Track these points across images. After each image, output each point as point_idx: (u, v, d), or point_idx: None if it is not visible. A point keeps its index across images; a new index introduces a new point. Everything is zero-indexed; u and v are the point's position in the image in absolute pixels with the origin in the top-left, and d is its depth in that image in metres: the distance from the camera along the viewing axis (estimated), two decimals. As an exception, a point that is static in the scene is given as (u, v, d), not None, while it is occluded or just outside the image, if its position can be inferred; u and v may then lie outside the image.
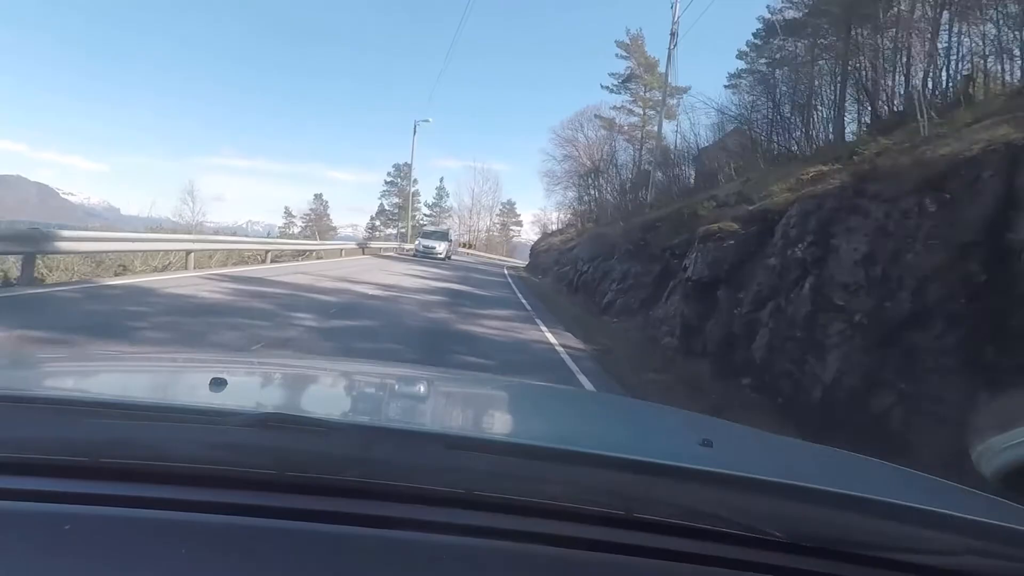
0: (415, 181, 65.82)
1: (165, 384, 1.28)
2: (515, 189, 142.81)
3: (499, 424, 1.25)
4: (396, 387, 1.53)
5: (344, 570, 0.58)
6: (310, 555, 0.58)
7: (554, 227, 43.66)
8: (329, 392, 1.37)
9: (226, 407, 0.78)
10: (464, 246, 50.67)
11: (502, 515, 0.65)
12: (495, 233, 75.33)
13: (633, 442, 1.15)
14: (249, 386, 1.27)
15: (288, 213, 66.93)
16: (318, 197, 67.43)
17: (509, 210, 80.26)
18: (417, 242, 30.03)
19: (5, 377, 1.13)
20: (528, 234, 77.91)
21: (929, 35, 9.79)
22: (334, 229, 63.49)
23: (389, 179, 68.33)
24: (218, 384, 0.92)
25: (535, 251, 33.94)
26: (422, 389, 1.54)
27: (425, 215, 69.26)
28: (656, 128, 24.68)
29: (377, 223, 65.42)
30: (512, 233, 79.75)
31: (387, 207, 66.45)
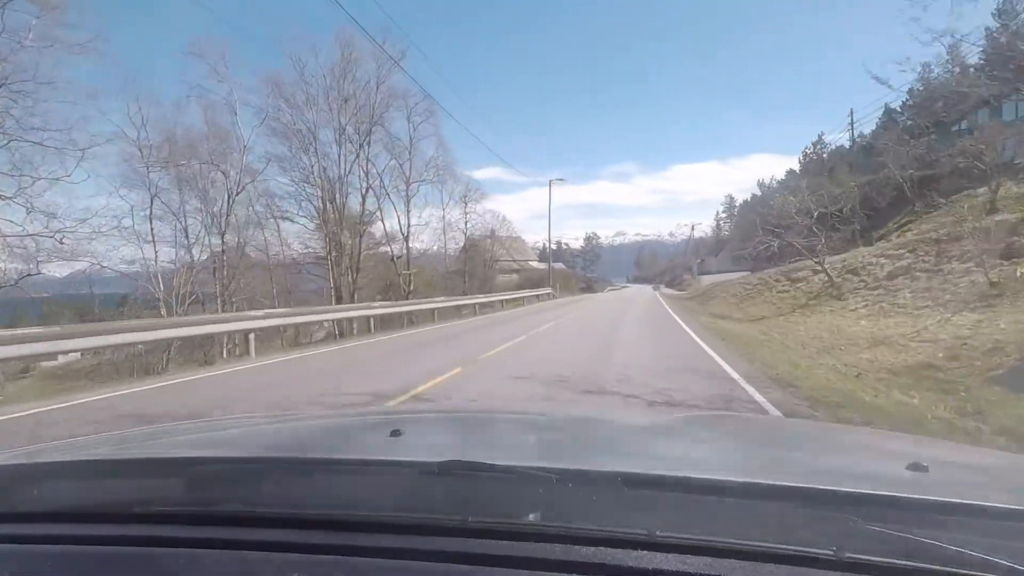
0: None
1: (350, 439, 1.28)
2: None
3: (681, 460, 1.11)
4: (569, 429, 1.48)
5: None
6: None
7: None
8: (503, 438, 1.35)
9: (406, 459, 0.81)
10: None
11: (690, 556, 0.61)
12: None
13: (832, 472, 1.01)
14: (425, 436, 1.29)
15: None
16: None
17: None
18: None
19: (232, 441, 1.23)
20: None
21: None
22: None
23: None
24: (396, 435, 0.98)
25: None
26: (596, 429, 1.47)
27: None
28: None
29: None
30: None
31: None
